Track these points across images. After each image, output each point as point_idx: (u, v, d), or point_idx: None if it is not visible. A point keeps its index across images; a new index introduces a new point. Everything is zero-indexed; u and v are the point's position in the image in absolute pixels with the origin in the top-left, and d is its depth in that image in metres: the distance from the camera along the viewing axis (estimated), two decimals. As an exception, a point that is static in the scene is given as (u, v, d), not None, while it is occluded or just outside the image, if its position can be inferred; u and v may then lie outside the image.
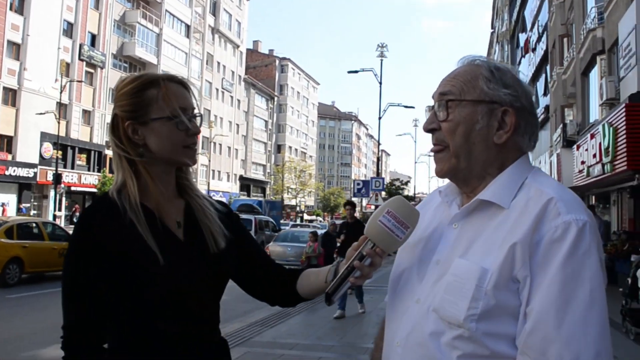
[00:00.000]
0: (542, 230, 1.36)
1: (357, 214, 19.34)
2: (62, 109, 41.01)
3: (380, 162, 40.93)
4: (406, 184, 63.99)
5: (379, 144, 38.24)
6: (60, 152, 39.38)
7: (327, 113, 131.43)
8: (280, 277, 2.02)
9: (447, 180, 1.68)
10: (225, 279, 1.92)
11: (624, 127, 13.83)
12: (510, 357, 1.36)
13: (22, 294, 13.33)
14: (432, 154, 1.61)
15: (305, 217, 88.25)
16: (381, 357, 1.67)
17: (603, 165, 15.91)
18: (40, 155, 40.74)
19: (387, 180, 61.13)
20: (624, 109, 13.94)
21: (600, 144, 16.03)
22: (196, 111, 1.86)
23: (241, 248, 1.98)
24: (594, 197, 26.28)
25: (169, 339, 1.71)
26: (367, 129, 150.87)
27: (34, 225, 16.72)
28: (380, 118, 35.50)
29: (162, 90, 1.77)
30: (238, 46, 77.00)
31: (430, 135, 1.61)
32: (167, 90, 1.77)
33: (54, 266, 15.51)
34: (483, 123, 1.52)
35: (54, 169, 37.80)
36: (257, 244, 2.11)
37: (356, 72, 35.22)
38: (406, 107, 40.08)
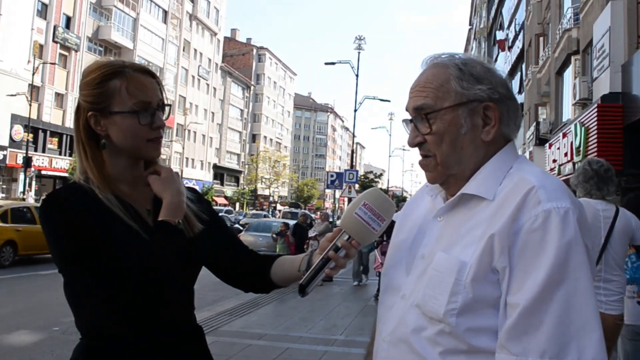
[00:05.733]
0: (521, 219, 1.33)
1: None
2: (35, 92, 40.33)
3: (354, 155, 40.97)
4: (380, 176, 64.22)
5: (354, 136, 38.29)
6: (31, 135, 38.65)
7: (303, 104, 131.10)
8: (254, 264, 2.00)
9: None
10: (199, 264, 1.91)
11: (595, 128, 14.02)
12: (491, 351, 1.34)
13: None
14: (408, 149, 1.61)
15: (279, 207, 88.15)
16: None
17: (574, 164, 16.10)
18: (11, 138, 39.94)
19: (361, 172, 61.26)
20: (595, 110, 14.11)
21: (572, 143, 16.22)
22: (164, 101, 1.81)
23: (214, 233, 1.96)
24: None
25: (144, 325, 1.69)
26: (342, 121, 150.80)
27: (27, 209, 17.13)
28: (355, 110, 35.52)
29: (125, 82, 1.71)
30: (216, 34, 76.40)
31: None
32: (131, 82, 1.72)
33: (45, 249, 15.71)
34: (467, 126, 1.49)
35: (24, 152, 37.20)
36: (230, 230, 2.09)
37: (333, 63, 35.20)
38: (382, 100, 40.24)
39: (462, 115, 1.48)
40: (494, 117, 1.49)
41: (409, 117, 1.57)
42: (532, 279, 1.28)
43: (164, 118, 1.81)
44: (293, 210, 29.55)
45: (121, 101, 1.71)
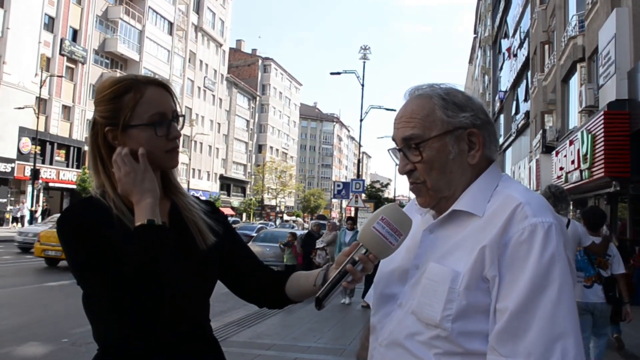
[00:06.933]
0: (510, 232, 1.44)
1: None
2: (42, 104, 40.60)
3: (360, 164, 40.95)
4: (386, 186, 64.10)
5: (360, 145, 38.21)
6: (38, 148, 38.85)
7: (309, 114, 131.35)
8: (269, 279, 2.02)
9: None
10: (214, 277, 1.92)
11: (602, 135, 14.01)
12: (483, 353, 1.43)
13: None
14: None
15: (285, 217, 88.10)
16: (367, 356, 1.76)
17: (581, 171, 16.08)
18: (19, 150, 40.15)
19: (368, 182, 61.20)
20: (602, 117, 14.10)
21: (578, 150, 16.20)
22: (178, 111, 1.83)
23: (229, 247, 1.98)
24: (571, 203, 26.52)
25: (158, 336, 1.71)
26: (348, 131, 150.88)
27: None
28: (361, 120, 35.51)
29: (139, 96, 1.74)
30: (221, 45, 76.71)
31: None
32: (145, 95, 1.74)
33: None
34: (455, 151, 1.59)
35: (32, 164, 37.38)
36: (245, 244, 2.10)
37: (338, 73, 35.16)
38: (387, 109, 40.13)
39: (450, 142, 1.59)
40: (478, 142, 1.61)
41: (396, 147, 1.67)
42: (520, 287, 1.38)
43: (178, 128, 1.83)
44: (320, 222, 30.77)
45: (136, 115, 1.74)
